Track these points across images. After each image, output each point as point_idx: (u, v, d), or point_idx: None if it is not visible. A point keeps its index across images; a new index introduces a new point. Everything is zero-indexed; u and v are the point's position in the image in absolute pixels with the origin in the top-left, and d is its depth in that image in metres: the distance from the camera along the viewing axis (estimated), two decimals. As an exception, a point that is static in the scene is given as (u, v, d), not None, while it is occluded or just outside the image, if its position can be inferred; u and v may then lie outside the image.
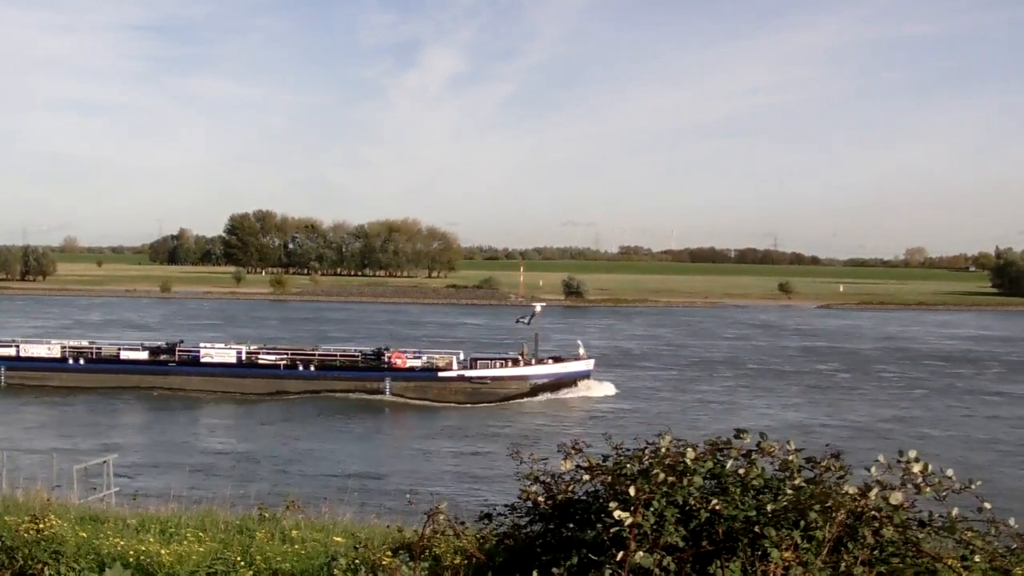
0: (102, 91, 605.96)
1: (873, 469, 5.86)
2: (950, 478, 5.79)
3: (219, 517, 14.16)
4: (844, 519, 5.66)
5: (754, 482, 5.89)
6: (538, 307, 70.75)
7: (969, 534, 5.69)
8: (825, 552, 5.58)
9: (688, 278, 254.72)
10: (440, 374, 64.30)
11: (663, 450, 6.01)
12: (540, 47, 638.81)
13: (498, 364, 65.70)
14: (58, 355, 67.66)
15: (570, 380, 66.14)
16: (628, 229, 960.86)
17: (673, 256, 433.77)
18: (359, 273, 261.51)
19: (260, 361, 66.41)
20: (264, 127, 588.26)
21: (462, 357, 65.93)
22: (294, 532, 12.54)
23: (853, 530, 5.65)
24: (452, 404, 61.99)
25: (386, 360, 65.10)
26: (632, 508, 5.51)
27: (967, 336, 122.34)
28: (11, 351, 68.04)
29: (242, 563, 9.84)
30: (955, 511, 5.74)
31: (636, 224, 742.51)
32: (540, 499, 6.33)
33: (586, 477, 6.17)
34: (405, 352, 66.98)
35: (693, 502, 5.64)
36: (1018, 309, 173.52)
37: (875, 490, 5.73)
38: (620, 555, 5.40)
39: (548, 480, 6.41)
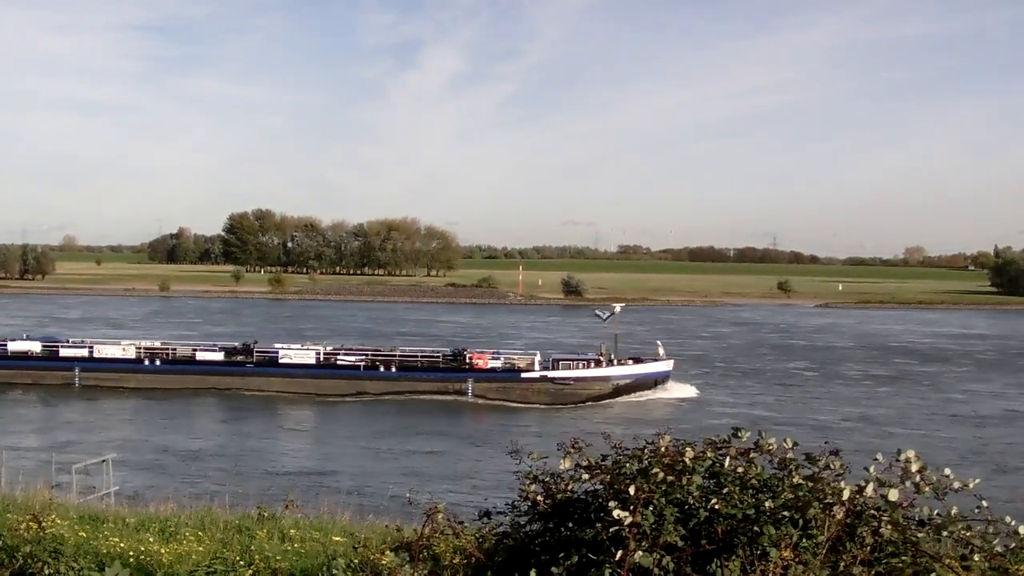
0: (102, 91, 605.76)
1: (872, 468, 5.87)
2: (948, 477, 5.80)
3: (218, 517, 14.18)
4: (843, 518, 5.67)
5: (753, 481, 5.89)
6: (617, 307, 69.84)
7: (968, 533, 5.70)
8: (824, 551, 5.59)
9: (687, 277, 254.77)
10: (523, 375, 63.74)
11: (662, 449, 6.02)
12: (540, 47, 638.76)
13: (581, 365, 65.06)
14: (133, 356, 66.89)
15: (650, 381, 65.64)
16: (627, 228, 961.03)
17: (672, 255, 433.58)
18: (358, 272, 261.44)
19: (339, 362, 65.73)
20: (264, 127, 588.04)
21: (539, 357, 65.39)
22: (293, 531, 12.56)
23: (852, 529, 5.66)
24: (535, 405, 61.37)
25: (467, 361, 64.67)
26: (631, 507, 5.51)
27: (948, 334, 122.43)
28: (83, 352, 67.22)
29: (241, 563, 9.84)
30: (954, 510, 5.75)
31: (635, 223, 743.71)
32: (539, 498, 6.33)
33: (585, 476, 6.18)
34: (484, 352, 66.56)
35: (692, 501, 5.64)
36: (1017, 308, 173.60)
37: (872, 485, 5.74)
38: (619, 554, 5.41)
39: (547, 479, 6.41)
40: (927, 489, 5.75)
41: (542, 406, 61.18)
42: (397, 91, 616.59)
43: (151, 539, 11.67)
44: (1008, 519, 5.78)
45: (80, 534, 11.45)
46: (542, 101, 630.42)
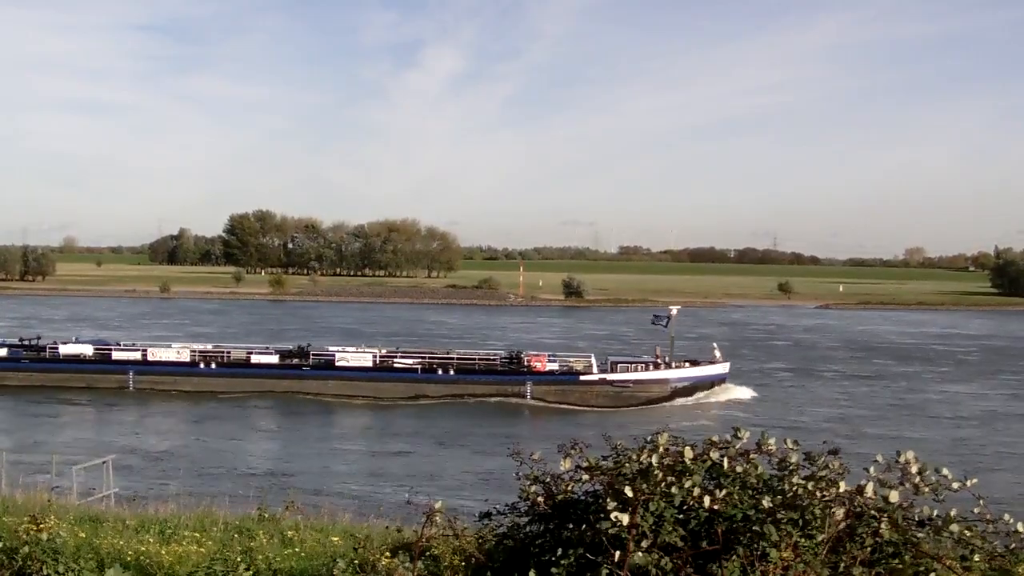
0: (103, 91, 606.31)
1: (871, 468, 5.87)
2: (947, 477, 5.79)
3: (218, 517, 14.18)
4: (843, 519, 5.67)
5: (752, 481, 5.89)
6: (674, 310, 69.10)
7: (968, 533, 5.70)
8: (824, 552, 5.58)
9: (688, 278, 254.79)
10: (582, 377, 63.36)
11: (661, 449, 6.01)
12: (541, 47, 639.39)
13: (639, 367, 64.74)
14: (188, 359, 66.32)
15: (707, 384, 65.34)
16: (628, 229, 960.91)
17: (673, 256, 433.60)
18: (359, 273, 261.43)
19: (396, 365, 65.23)
20: (265, 127, 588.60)
21: (594, 360, 64.98)
22: (293, 533, 12.55)
23: (852, 530, 5.66)
24: (594, 408, 60.97)
25: (525, 363, 64.33)
26: (631, 508, 5.51)
27: (937, 334, 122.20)
28: (136, 355, 66.61)
29: (242, 564, 9.83)
30: (953, 511, 5.75)
31: (636, 224, 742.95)
32: (539, 499, 6.33)
33: (585, 477, 6.17)
34: (541, 355, 66.12)
35: (692, 501, 5.63)
36: (1017, 309, 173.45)
37: (871, 485, 5.74)
38: (618, 555, 5.40)
39: (548, 480, 6.40)
40: (926, 489, 5.75)
41: (601, 409, 60.77)
42: (398, 91, 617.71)
43: (151, 540, 11.66)
44: (1008, 519, 5.77)
45: (80, 535, 11.45)
46: (543, 101, 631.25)
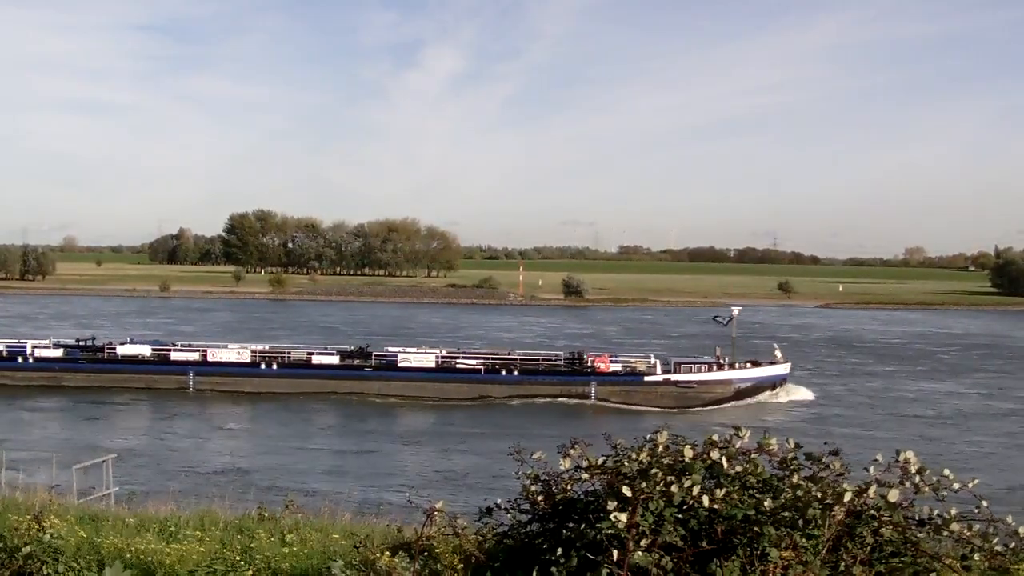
0: (103, 91, 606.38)
1: (871, 468, 5.87)
2: (948, 477, 5.80)
3: (218, 517, 14.19)
4: (843, 518, 5.67)
5: (753, 480, 5.89)
6: (735, 310, 69.54)
7: (968, 533, 5.70)
8: (824, 551, 5.59)
9: (688, 277, 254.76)
10: (646, 378, 63.29)
11: (660, 448, 6.01)
12: (541, 47, 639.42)
13: (703, 368, 64.67)
14: (248, 360, 65.96)
15: (769, 384, 65.37)
16: (628, 229, 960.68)
17: (672, 256, 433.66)
18: (359, 273, 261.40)
19: (459, 366, 65.06)
20: (265, 127, 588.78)
21: (653, 360, 65.02)
22: (293, 532, 12.55)
23: (852, 529, 5.66)
24: (658, 409, 60.93)
25: (589, 364, 64.17)
26: (630, 508, 5.51)
27: (924, 333, 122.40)
28: (195, 356, 66.46)
29: (242, 562, 9.84)
30: (953, 511, 5.75)
31: (636, 224, 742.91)
32: (539, 498, 6.33)
33: (585, 476, 6.17)
34: (603, 355, 65.98)
35: (692, 501, 5.64)
36: (1017, 309, 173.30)
37: (873, 487, 5.74)
38: (618, 554, 5.40)
39: (548, 479, 6.40)
40: (927, 489, 5.76)
41: (665, 409, 60.69)
42: (398, 91, 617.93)
43: (151, 539, 11.67)
44: (1008, 519, 5.78)
45: (80, 534, 11.45)
46: (543, 101, 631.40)
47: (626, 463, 6.00)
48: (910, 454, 5.84)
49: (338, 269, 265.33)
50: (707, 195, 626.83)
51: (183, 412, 58.03)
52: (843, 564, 5.58)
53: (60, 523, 10.36)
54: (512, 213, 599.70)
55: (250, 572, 9.57)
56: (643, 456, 5.97)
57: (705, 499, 5.59)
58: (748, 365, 65.91)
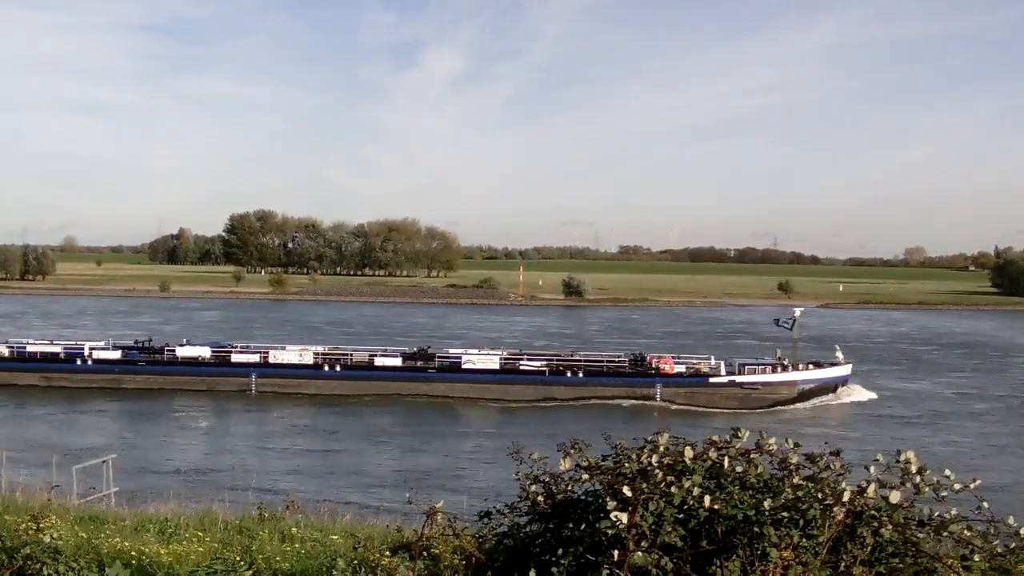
0: (103, 91, 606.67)
1: (872, 468, 5.87)
2: (948, 477, 5.79)
3: (219, 517, 14.16)
4: (843, 519, 5.67)
5: (753, 480, 5.89)
6: (797, 311, 69.42)
7: (968, 533, 5.70)
8: (824, 552, 5.58)
9: (688, 277, 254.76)
10: (711, 380, 63.17)
11: (661, 449, 6.01)
12: (541, 47, 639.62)
13: (767, 370, 64.52)
14: (311, 362, 65.64)
15: (832, 385, 65.26)
16: (628, 229, 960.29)
17: (673, 256, 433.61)
18: (359, 273, 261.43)
19: (523, 367, 64.79)
20: (265, 127, 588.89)
21: (714, 362, 64.90)
22: (294, 532, 12.55)
23: (852, 530, 5.66)
24: (722, 410, 60.77)
25: (654, 366, 64.02)
26: (630, 508, 5.51)
27: (907, 333, 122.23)
28: (255, 357, 66.10)
29: (242, 563, 9.83)
30: (954, 511, 5.75)
31: (636, 224, 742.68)
32: (540, 499, 6.32)
33: (585, 477, 6.17)
34: (667, 357, 65.79)
35: (692, 501, 5.63)
36: (1017, 308, 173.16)
37: (873, 486, 5.74)
38: (618, 555, 5.40)
39: (548, 479, 6.40)
40: (927, 489, 5.75)
41: (730, 411, 60.55)
42: (398, 91, 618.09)
43: (151, 539, 11.66)
44: (1010, 519, 5.77)
45: (80, 535, 11.45)
46: (543, 101, 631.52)
47: (626, 463, 6.00)
48: (911, 454, 5.83)
49: (338, 269, 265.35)
50: (707, 195, 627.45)
51: (248, 414, 57.62)
52: (843, 564, 5.57)
53: (60, 524, 10.35)
54: (512, 213, 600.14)
55: (250, 573, 9.56)
56: (643, 457, 5.97)
57: (706, 499, 5.59)
58: (810, 366, 65.73)
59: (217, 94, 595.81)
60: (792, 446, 6.13)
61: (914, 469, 5.78)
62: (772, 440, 6.15)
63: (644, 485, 5.64)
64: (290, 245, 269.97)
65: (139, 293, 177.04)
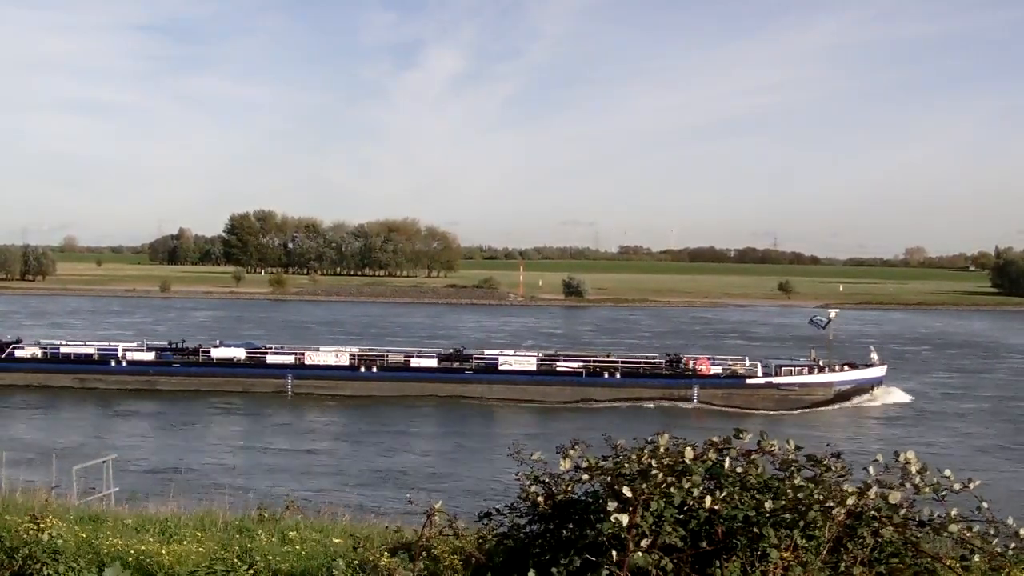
0: (103, 91, 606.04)
1: (872, 469, 5.87)
2: (948, 478, 5.79)
3: (218, 517, 14.17)
4: (843, 519, 5.67)
5: (753, 481, 5.89)
6: (832, 312, 68.94)
7: (968, 534, 5.70)
8: (825, 552, 5.58)
9: (688, 278, 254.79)
10: (748, 381, 63.05)
11: (661, 449, 6.01)
12: (541, 47, 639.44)
13: (804, 371, 64.34)
14: (347, 363, 65.25)
15: (868, 386, 65.08)
16: (628, 229, 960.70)
17: (673, 256, 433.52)
18: (359, 273, 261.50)
19: (559, 368, 64.53)
20: (265, 127, 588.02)
21: (748, 362, 64.85)
22: (294, 533, 12.55)
23: (852, 530, 5.66)
24: (760, 411, 60.67)
25: (690, 367, 63.88)
26: (631, 508, 5.50)
27: (890, 332, 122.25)
28: (290, 359, 65.77)
29: (241, 563, 9.83)
30: (954, 511, 5.75)
31: (636, 224, 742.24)
32: (539, 499, 6.32)
33: (585, 477, 6.17)
34: (703, 357, 65.69)
35: (692, 502, 5.63)
36: (1018, 309, 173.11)
37: (873, 488, 5.74)
38: (618, 555, 5.40)
39: (548, 480, 6.40)
40: (927, 490, 5.75)
41: (767, 412, 60.51)
42: (398, 91, 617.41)
43: (151, 540, 11.66)
44: (1009, 520, 5.77)
45: (80, 535, 11.44)
46: (543, 101, 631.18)
47: (626, 464, 6.00)
48: (911, 454, 5.83)
49: (338, 269, 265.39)
50: (707, 195, 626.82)
51: (288, 415, 57.09)
52: (843, 565, 5.57)
53: (59, 523, 10.35)
54: (512, 213, 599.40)
55: (250, 573, 9.56)
56: (643, 457, 5.97)
57: (706, 500, 5.59)
58: (845, 367, 65.55)
59: (217, 94, 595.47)
60: (793, 447, 6.13)
61: (914, 470, 5.78)
62: (773, 441, 6.15)
63: (644, 486, 5.64)
64: (290, 245, 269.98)
65: (139, 293, 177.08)
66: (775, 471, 6.04)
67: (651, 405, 61.18)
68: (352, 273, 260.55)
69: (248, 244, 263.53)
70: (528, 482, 6.43)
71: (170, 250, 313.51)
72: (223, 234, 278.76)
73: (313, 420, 56.16)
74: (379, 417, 56.63)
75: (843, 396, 63.66)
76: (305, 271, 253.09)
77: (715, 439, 6.21)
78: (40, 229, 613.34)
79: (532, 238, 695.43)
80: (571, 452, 6.26)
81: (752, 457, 6.06)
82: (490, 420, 57.49)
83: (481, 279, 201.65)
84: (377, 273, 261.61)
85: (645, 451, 6.05)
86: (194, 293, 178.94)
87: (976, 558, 5.62)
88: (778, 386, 63.03)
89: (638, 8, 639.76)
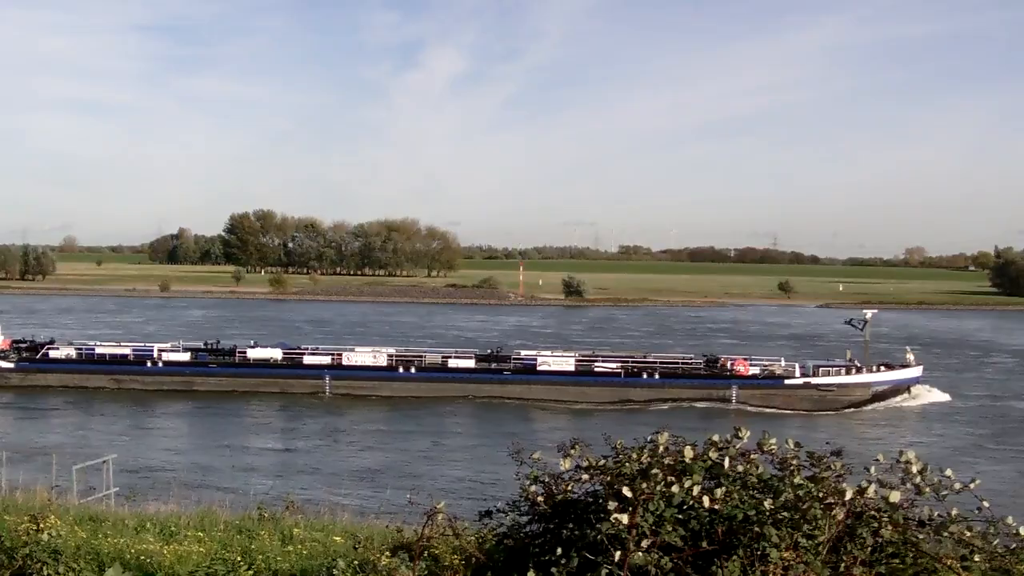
0: (104, 91, 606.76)
1: (872, 469, 5.87)
2: (949, 478, 5.79)
3: (219, 517, 14.15)
4: (844, 519, 5.66)
5: (753, 480, 5.88)
6: (868, 313, 68.62)
7: (968, 534, 5.69)
8: (825, 552, 5.58)
9: (688, 278, 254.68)
10: (786, 381, 62.88)
11: (661, 449, 6.01)
12: (543, 47, 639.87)
13: (842, 371, 64.16)
14: (384, 363, 64.93)
15: (904, 386, 64.93)
16: (628, 229, 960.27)
17: (672, 256, 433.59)
18: (359, 273, 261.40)
19: (598, 369, 64.25)
20: (266, 127, 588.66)
21: (783, 362, 64.79)
22: (294, 532, 12.54)
23: (852, 530, 5.65)
24: (798, 411, 60.53)
25: (729, 367, 63.80)
26: (631, 508, 5.50)
27: (880, 333, 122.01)
28: (326, 359, 65.43)
29: (242, 563, 9.83)
30: (954, 511, 5.75)
31: (636, 223, 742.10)
32: (539, 499, 6.32)
33: (585, 477, 6.17)
34: (738, 358, 65.53)
35: (692, 501, 5.63)
36: (1017, 309, 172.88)
37: (873, 487, 5.74)
38: (618, 555, 5.39)
39: (548, 480, 6.40)
40: (927, 490, 5.75)
41: (805, 412, 60.39)
42: (399, 91, 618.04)
43: (151, 540, 11.65)
44: (1009, 519, 5.77)
45: (80, 535, 11.44)
46: (543, 101, 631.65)
47: (626, 464, 5.99)
48: (912, 455, 5.83)
49: (338, 269, 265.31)
50: (707, 195, 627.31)
51: (327, 416, 56.65)
52: (843, 565, 5.57)
53: (59, 524, 10.36)
54: (512, 213, 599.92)
55: (251, 573, 9.56)
56: (643, 457, 5.97)
57: (706, 499, 5.59)
58: (882, 368, 65.47)
59: (217, 94, 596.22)
60: (793, 446, 6.13)
61: (915, 470, 5.78)
62: (772, 440, 6.15)
63: (644, 485, 5.64)
64: (290, 245, 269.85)
65: (139, 293, 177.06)
66: (775, 471, 6.04)
67: (689, 406, 60.79)
68: (352, 273, 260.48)
69: (248, 244, 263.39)
70: (528, 482, 6.44)
71: (170, 250, 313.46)
72: (223, 234, 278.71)
73: (352, 421, 55.65)
74: (417, 418, 56.21)
75: (881, 396, 63.50)
76: (305, 271, 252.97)
77: (715, 438, 6.21)
78: (40, 229, 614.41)
79: (532, 238, 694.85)
80: (571, 452, 6.25)
81: (751, 457, 6.07)
82: (529, 421, 57.08)
83: (481, 279, 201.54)
84: (377, 273, 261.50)
85: (645, 451, 6.05)
86: (194, 293, 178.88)
87: (976, 558, 5.62)
88: (816, 387, 62.88)
89: (638, 8, 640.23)
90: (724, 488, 5.75)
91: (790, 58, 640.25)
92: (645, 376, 63.41)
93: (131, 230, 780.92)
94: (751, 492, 5.80)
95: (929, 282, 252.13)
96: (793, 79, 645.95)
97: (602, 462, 6.17)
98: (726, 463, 5.95)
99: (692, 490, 5.64)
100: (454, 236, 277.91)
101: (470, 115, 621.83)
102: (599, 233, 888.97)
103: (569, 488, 6.27)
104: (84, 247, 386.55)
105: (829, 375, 63.74)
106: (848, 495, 5.71)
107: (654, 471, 5.75)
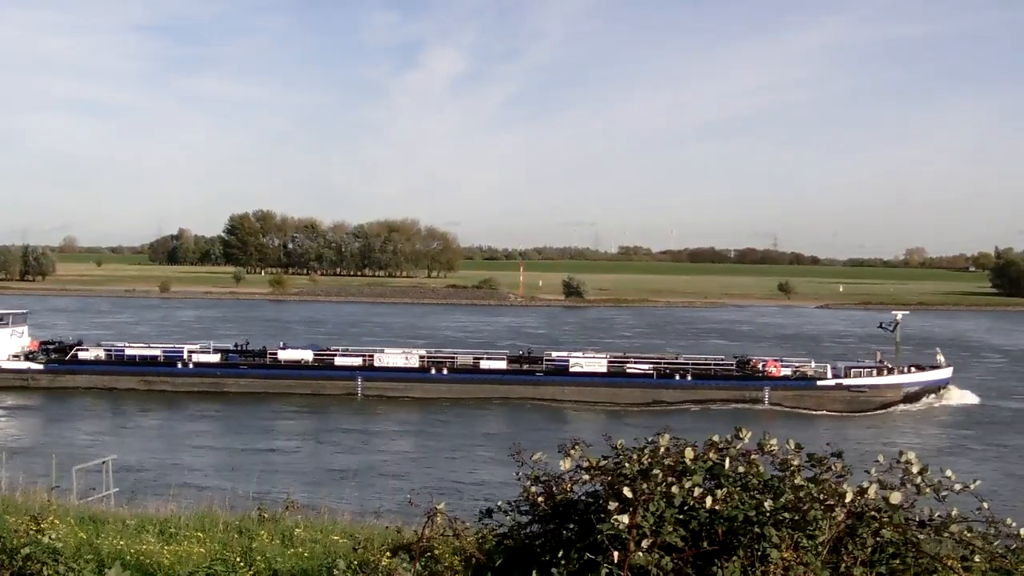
0: (104, 91, 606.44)
1: (872, 469, 5.87)
2: (949, 478, 5.79)
3: (219, 517, 14.16)
4: (844, 519, 5.66)
5: (754, 481, 5.88)
6: (899, 315, 68.50)
7: (969, 534, 5.69)
8: (825, 552, 5.58)
9: (688, 278, 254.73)
10: (818, 383, 62.67)
11: (662, 449, 6.01)
12: (543, 47, 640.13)
13: (873, 373, 63.99)
14: (416, 365, 64.67)
15: (935, 388, 64.78)
16: (628, 229, 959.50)
17: (673, 256, 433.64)
18: (359, 273, 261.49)
19: (630, 370, 63.98)
20: (266, 128, 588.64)
21: (813, 364, 64.65)
22: (294, 532, 12.55)
23: (853, 530, 5.65)
24: (830, 413, 60.45)
25: (760, 369, 63.67)
26: (631, 508, 5.50)
27: (872, 333, 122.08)
28: (358, 360, 65.04)
29: (242, 563, 9.83)
30: (954, 511, 5.74)
31: (636, 224, 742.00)
32: (540, 499, 6.32)
33: (586, 477, 6.17)
34: (769, 359, 65.36)
35: (692, 502, 5.63)
36: (1018, 309, 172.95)
37: (874, 487, 5.74)
38: (619, 555, 5.40)
39: (548, 480, 6.40)
40: (928, 490, 5.75)
41: (837, 413, 60.39)
42: (399, 91, 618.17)
43: (151, 540, 11.66)
44: (1009, 520, 5.77)
45: (80, 535, 11.44)
46: (544, 101, 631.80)
47: (627, 464, 5.99)
48: (912, 455, 5.83)
49: (338, 270, 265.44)
50: (707, 195, 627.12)
51: (361, 418, 56.28)
52: (844, 565, 5.57)
53: (59, 524, 10.35)
54: (512, 213, 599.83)
55: (250, 573, 9.56)
56: (644, 457, 5.97)
57: (707, 500, 5.59)
58: (912, 369, 65.37)
59: (217, 94, 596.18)
60: (794, 447, 6.13)
61: (915, 470, 5.78)
62: (773, 441, 6.15)
63: (645, 486, 5.64)
64: (290, 246, 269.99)
65: (139, 294, 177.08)
66: (775, 471, 6.04)
67: (719, 407, 60.52)
68: (352, 273, 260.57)
69: (248, 244, 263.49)
70: (529, 482, 6.43)
71: (170, 250, 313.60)
72: (223, 234, 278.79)
73: (385, 423, 55.39)
74: (450, 420, 55.96)
75: (912, 398, 63.39)
76: (305, 271, 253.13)
77: (715, 439, 6.21)
78: (40, 229, 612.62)
79: (532, 238, 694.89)
80: (572, 452, 6.25)
81: (752, 457, 6.07)
82: (562, 422, 56.73)
83: (481, 279, 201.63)
84: (377, 273, 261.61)
85: (646, 451, 6.05)
86: (194, 293, 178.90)
87: (977, 558, 5.62)
88: (848, 388, 62.72)
89: (638, 8, 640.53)
90: (725, 489, 5.75)
91: (790, 58, 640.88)
92: (677, 377, 63.28)
93: (131, 230, 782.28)
94: (752, 493, 5.80)
95: (929, 283, 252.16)
96: (793, 79, 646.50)
97: (603, 463, 6.17)
98: (727, 464, 5.95)
99: (693, 491, 5.64)
100: (454, 236, 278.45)
101: (470, 115, 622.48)
102: (599, 233, 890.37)
103: (570, 488, 6.27)
104: (84, 248, 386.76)
105: (860, 376, 63.60)
106: (848, 496, 5.71)
107: (655, 472, 5.75)
